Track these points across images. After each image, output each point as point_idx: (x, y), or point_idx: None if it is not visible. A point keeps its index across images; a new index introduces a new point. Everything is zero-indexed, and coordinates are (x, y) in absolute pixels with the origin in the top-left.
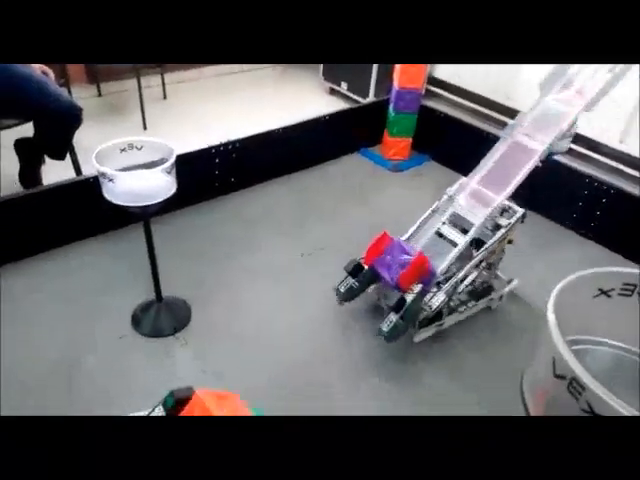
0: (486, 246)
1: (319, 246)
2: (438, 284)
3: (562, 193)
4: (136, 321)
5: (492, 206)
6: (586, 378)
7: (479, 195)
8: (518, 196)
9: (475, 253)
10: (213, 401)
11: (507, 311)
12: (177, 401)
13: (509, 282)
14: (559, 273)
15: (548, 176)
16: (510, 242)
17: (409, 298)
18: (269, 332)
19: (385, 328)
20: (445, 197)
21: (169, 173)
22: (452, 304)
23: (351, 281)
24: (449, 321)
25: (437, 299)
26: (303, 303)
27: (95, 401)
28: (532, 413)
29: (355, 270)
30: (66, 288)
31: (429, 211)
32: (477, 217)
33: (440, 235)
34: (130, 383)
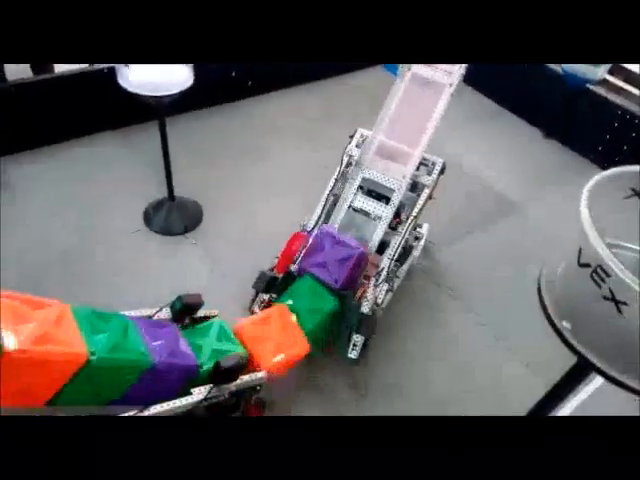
0: (415, 212)
1: (333, 159)
2: (367, 276)
3: (589, 123)
4: (148, 218)
5: (411, 164)
6: (613, 263)
7: (391, 152)
8: (539, 124)
9: (401, 221)
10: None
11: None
12: (185, 306)
13: (420, 229)
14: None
15: (577, 104)
16: (431, 198)
17: (366, 309)
18: (277, 239)
19: (354, 356)
20: (346, 159)
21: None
22: (390, 287)
23: (266, 297)
24: (386, 303)
25: (381, 292)
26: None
27: (103, 292)
28: (549, 308)
29: (269, 285)
30: (79, 181)
31: (332, 181)
32: (395, 180)
33: (356, 210)
34: (139, 277)
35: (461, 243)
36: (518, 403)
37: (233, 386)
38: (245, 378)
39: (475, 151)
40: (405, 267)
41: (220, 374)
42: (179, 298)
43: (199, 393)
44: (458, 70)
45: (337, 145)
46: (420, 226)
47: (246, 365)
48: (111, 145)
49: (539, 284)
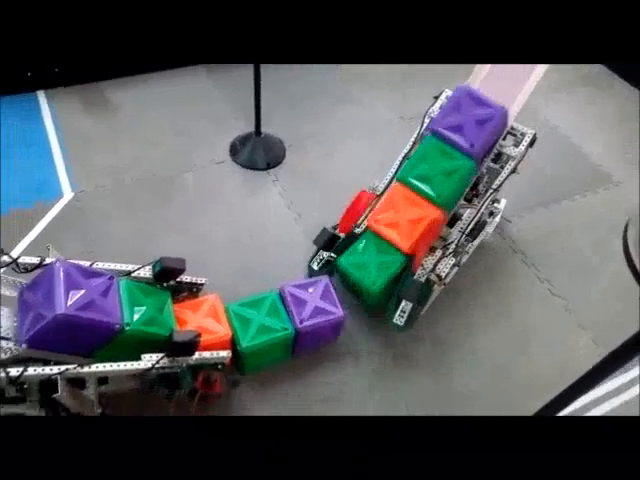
0: (495, 185)
1: (420, 113)
2: (434, 247)
3: None
4: (234, 150)
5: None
6: None
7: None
8: None
9: (478, 193)
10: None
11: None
12: (164, 269)
13: (497, 204)
14: None
15: None
16: (515, 171)
17: (422, 279)
18: (352, 186)
19: (399, 322)
20: (427, 122)
21: None
22: (458, 261)
23: (326, 255)
24: (450, 277)
25: (446, 265)
26: (391, 166)
27: (186, 214)
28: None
29: (329, 243)
30: (174, 109)
31: (409, 143)
32: None
33: None
34: (220, 205)
35: (545, 210)
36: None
37: (190, 360)
38: (206, 354)
39: (578, 118)
40: (475, 243)
41: (174, 347)
42: (160, 261)
43: (148, 360)
44: None
45: (426, 99)
46: (498, 201)
47: (199, 343)
48: (207, 80)
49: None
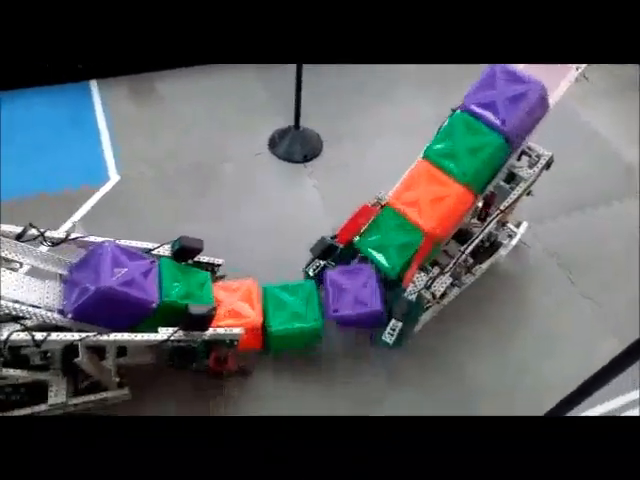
0: (504, 206)
1: None
2: (437, 263)
3: None
4: (273, 143)
5: None
6: None
7: None
8: None
9: (490, 213)
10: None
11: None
12: (182, 247)
13: (517, 227)
14: None
15: None
16: (529, 194)
17: (413, 297)
18: (386, 184)
19: (389, 340)
20: None
21: None
22: (457, 282)
23: (322, 263)
24: (451, 297)
25: (441, 283)
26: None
27: (223, 202)
28: None
29: (326, 253)
30: (218, 102)
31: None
32: None
33: None
34: (257, 195)
35: (581, 214)
36: None
37: (205, 336)
38: (220, 331)
39: (618, 124)
40: (485, 266)
41: (189, 320)
42: (179, 239)
43: (164, 333)
44: None
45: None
46: (518, 225)
47: (213, 317)
48: (250, 74)
49: None
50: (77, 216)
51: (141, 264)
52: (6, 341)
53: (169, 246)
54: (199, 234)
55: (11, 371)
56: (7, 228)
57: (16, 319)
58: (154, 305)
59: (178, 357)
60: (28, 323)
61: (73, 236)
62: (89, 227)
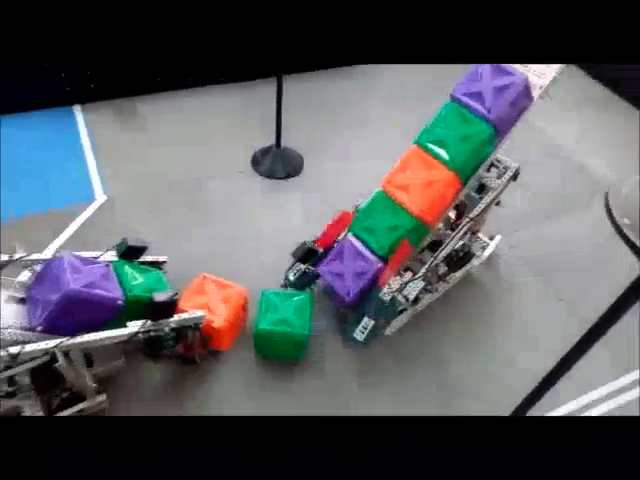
0: (472, 215)
1: None
2: (408, 268)
3: None
4: (255, 161)
5: None
6: None
7: None
8: None
9: (456, 220)
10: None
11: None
12: (129, 248)
13: (490, 240)
14: None
15: None
16: (498, 204)
17: (386, 297)
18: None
19: (359, 337)
20: None
21: None
22: (430, 287)
23: (303, 266)
24: (425, 302)
25: (414, 288)
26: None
27: (210, 218)
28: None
29: (306, 256)
30: (199, 123)
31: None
32: None
33: None
34: (242, 210)
35: (550, 222)
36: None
37: (172, 322)
38: (184, 316)
39: (582, 137)
40: (458, 274)
41: (155, 309)
42: (123, 240)
43: (134, 326)
44: (550, 73)
45: None
46: (492, 237)
47: (177, 303)
48: (231, 96)
49: (607, 194)
50: (65, 236)
51: (97, 267)
52: None
53: (114, 252)
54: (187, 247)
55: None
56: None
57: None
58: (120, 302)
59: (149, 349)
60: None
61: (17, 256)
62: (77, 246)
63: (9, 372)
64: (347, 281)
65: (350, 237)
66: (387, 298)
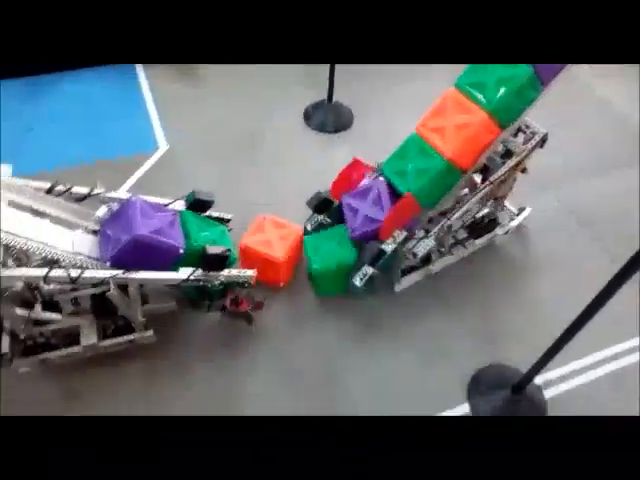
0: (493, 178)
1: None
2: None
3: None
4: (307, 115)
5: None
6: None
7: None
8: None
9: (480, 185)
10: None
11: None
12: (196, 200)
13: (519, 212)
14: None
15: None
16: (524, 171)
17: (388, 249)
18: None
19: (358, 283)
20: None
21: None
22: (443, 249)
23: (320, 217)
24: (439, 265)
25: (423, 246)
26: None
27: (264, 167)
28: None
29: (321, 206)
30: (254, 80)
31: None
32: None
33: None
34: (293, 161)
35: (597, 179)
36: None
37: (221, 276)
38: (234, 272)
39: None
40: (479, 242)
41: (206, 260)
42: (192, 192)
43: (185, 272)
44: None
45: None
46: (523, 209)
47: (228, 257)
48: None
49: None
50: (131, 181)
51: (166, 215)
52: (46, 276)
53: (182, 201)
54: (244, 194)
55: (49, 314)
56: (38, 184)
57: (50, 263)
58: (181, 250)
59: (197, 297)
60: None
61: (95, 192)
62: (143, 191)
63: (74, 293)
64: (358, 219)
65: (380, 180)
66: (389, 249)
